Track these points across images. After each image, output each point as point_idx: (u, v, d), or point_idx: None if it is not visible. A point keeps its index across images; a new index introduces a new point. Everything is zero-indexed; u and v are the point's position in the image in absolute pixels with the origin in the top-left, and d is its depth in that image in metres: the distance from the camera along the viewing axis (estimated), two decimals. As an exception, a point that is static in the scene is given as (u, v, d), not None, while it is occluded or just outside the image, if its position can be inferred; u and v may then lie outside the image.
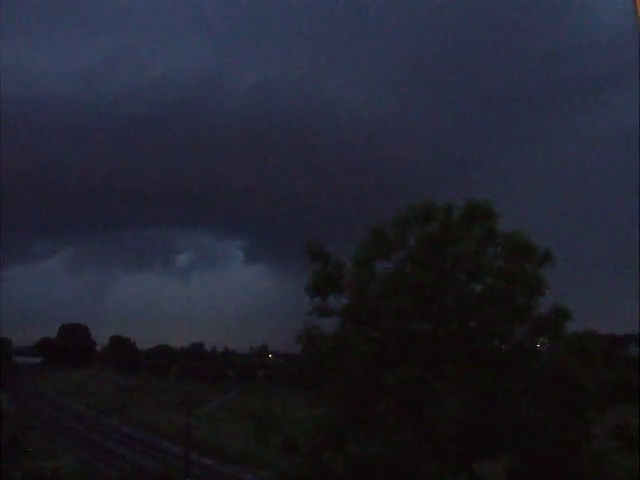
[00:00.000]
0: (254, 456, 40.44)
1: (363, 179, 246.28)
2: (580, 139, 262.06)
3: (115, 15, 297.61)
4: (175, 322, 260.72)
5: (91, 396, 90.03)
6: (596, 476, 13.36)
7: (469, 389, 12.94)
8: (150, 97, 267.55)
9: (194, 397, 49.76)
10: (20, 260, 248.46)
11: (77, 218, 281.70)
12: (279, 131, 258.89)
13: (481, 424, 12.95)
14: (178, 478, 35.20)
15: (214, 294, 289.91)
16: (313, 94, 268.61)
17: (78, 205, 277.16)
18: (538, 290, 13.72)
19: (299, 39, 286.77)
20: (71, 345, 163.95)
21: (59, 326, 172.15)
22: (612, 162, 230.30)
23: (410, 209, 14.45)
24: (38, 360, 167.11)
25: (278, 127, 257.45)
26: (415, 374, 12.74)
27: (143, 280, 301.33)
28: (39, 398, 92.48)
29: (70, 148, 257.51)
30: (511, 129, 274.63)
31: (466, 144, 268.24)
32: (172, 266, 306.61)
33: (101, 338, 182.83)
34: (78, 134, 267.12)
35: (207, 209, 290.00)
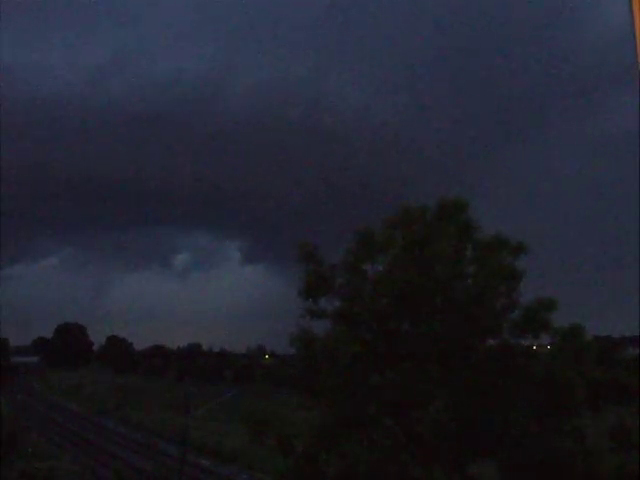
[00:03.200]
0: (250, 457, 40.46)
1: (363, 179, 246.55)
2: (580, 139, 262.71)
3: (120, 14, 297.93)
4: (172, 322, 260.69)
5: (87, 396, 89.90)
6: (589, 477, 13.44)
7: (455, 389, 13.04)
8: (151, 96, 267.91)
9: (191, 397, 49.83)
10: (18, 259, 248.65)
11: (75, 217, 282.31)
12: (280, 132, 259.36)
13: (468, 425, 13.06)
14: (174, 479, 35.22)
15: (212, 294, 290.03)
16: (316, 94, 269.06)
17: (76, 204, 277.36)
18: (517, 279, 13.95)
19: (303, 39, 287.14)
20: (68, 345, 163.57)
21: (56, 326, 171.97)
22: (612, 162, 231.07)
23: (390, 215, 14.72)
24: (35, 360, 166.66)
25: (279, 128, 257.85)
26: (401, 375, 12.84)
27: (141, 280, 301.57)
28: (35, 398, 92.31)
29: (70, 147, 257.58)
30: (514, 130, 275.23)
31: (467, 146, 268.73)
32: (170, 266, 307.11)
33: (99, 338, 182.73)
34: (79, 133, 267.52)
35: (206, 209, 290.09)
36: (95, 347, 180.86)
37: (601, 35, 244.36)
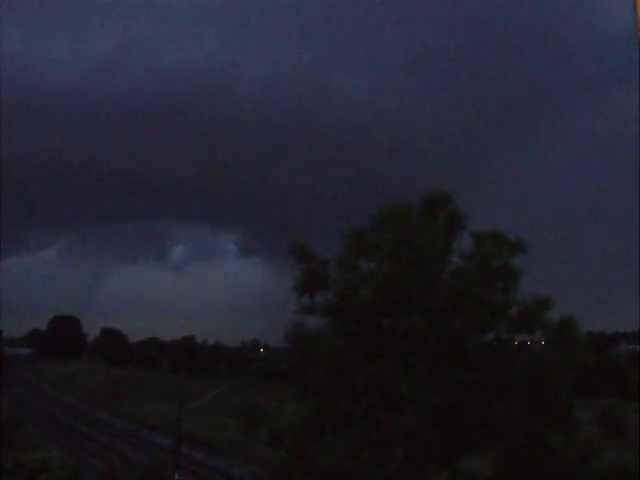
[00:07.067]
0: (244, 450, 40.55)
1: (361, 171, 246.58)
2: (581, 138, 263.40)
3: (125, 5, 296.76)
4: (167, 314, 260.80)
5: (81, 388, 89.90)
6: (582, 470, 13.51)
7: (442, 385, 13.04)
8: (152, 89, 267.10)
9: (185, 390, 49.82)
10: (13, 251, 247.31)
11: (71, 209, 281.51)
12: (279, 125, 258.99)
13: (457, 420, 13.10)
14: (168, 471, 35.25)
15: (207, 287, 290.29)
16: (318, 88, 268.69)
17: (72, 196, 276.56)
18: (512, 277, 13.94)
19: (307, 31, 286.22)
20: (62, 337, 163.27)
21: (50, 317, 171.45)
22: (612, 161, 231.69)
23: (379, 211, 14.71)
24: (28, 351, 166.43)
25: (278, 121, 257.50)
26: (385, 373, 12.85)
27: (136, 272, 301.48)
28: (29, 390, 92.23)
29: (69, 138, 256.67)
30: (514, 126, 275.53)
31: (469, 141, 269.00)
32: (166, 259, 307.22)
33: (93, 330, 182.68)
34: (79, 124, 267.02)
35: (202, 202, 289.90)
36: (89, 339, 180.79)
37: (603, 34, 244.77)
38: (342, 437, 13.48)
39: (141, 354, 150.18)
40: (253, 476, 34.33)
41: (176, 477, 34.38)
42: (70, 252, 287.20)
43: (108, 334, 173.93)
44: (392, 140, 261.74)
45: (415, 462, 13.38)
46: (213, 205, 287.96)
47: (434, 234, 13.95)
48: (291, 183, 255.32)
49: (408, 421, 12.40)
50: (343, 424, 13.77)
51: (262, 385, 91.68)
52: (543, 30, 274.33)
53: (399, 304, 13.94)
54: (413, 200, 14.94)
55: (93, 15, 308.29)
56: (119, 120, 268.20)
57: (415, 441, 12.96)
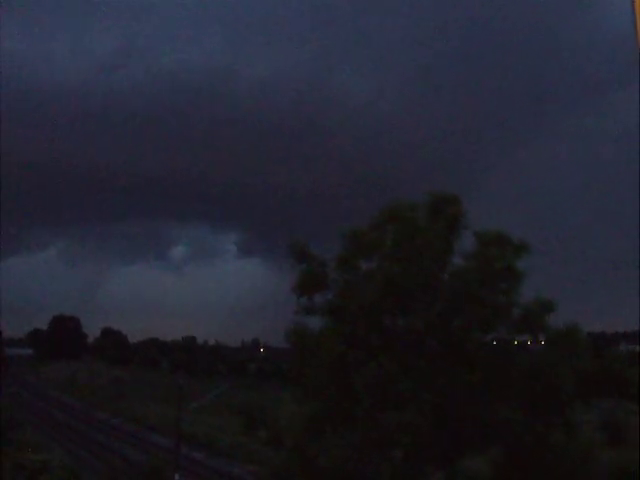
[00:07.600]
0: (244, 450, 40.55)
1: (361, 171, 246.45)
2: (581, 138, 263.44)
3: (126, 4, 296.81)
4: (167, 315, 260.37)
5: (81, 388, 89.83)
6: (582, 470, 13.51)
7: (441, 386, 13.04)
8: (152, 89, 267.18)
9: (185, 390, 49.78)
10: (13, 251, 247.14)
11: (71, 209, 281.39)
12: (279, 125, 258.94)
13: (457, 421, 13.10)
14: (168, 471, 35.24)
15: (207, 287, 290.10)
16: (319, 88, 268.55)
17: (72, 196, 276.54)
18: (515, 279, 13.92)
19: (307, 31, 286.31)
20: (62, 337, 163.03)
21: (51, 318, 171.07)
22: (612, 161, 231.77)
23: (381, 212, 14.70)
24: (29, 352, 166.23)
25: (279, 122, 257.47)
26: (385, 374, 12.85)
27: (137, 272, 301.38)
28: (29, 390, 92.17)
29: (67, 138, 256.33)
30: (515, 127, 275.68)
31: (469, 141, 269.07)
32: (166, 259, 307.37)
33: (94, 330, 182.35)
34: (79, 124, 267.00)
35: (202, 202, 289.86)
36: (89, 339, 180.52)
37: (603, 33, 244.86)
38: (342, 437, 13.50)
39: (141, 354, 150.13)
40: (253, 476, 34.32)
41: (176, 477, 34.37)
42: (70, 252, 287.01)
43: (108, 334, 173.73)
44: (392, 140, 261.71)
45: (415, 462, 13.40)
46: (213, 205, 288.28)
47: (435, 234, 13.97)
48: (291, 183, 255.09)
49: (409, 417, 12.41)
50: (343, 424, 13.78)
51: (262, 385, 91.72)
52: (543, 30, 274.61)
53: (399, 304, 13.94)
54: (414, 200, 14.95)
55: (93, 15, 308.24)
56: (119, 120, 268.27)
57: (415, 441, 12.97)
